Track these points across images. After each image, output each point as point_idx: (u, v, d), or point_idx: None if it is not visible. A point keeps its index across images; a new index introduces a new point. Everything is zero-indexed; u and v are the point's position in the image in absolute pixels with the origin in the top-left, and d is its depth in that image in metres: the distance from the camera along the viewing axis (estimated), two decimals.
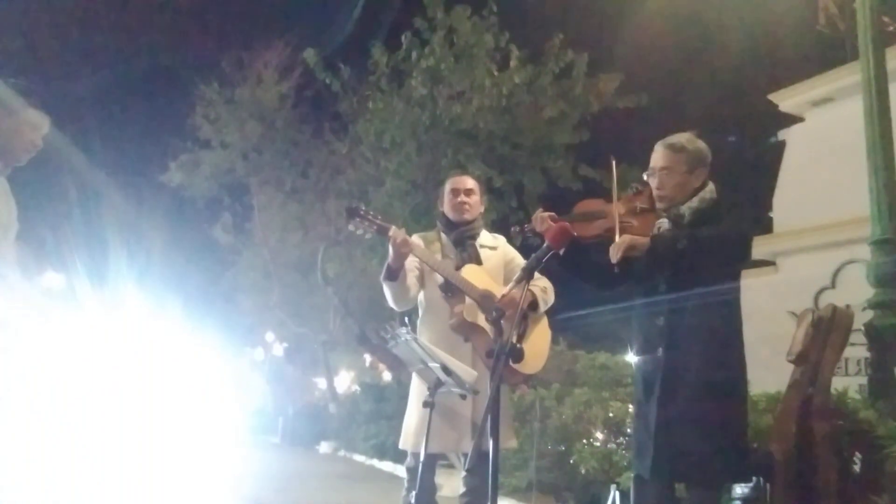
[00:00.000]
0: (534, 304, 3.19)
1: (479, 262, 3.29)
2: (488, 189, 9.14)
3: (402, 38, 8.57)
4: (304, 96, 13.94)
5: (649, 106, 9.19)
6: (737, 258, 2.80)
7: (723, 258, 2.69)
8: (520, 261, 3.32)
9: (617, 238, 2.73)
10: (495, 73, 8.51)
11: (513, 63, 8.50)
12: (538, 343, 3.25)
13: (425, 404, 2.82)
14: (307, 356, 21.82)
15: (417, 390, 3.22)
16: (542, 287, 3.26)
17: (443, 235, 3.40)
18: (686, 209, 2.78)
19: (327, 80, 9.38)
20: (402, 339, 2.68)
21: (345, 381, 23.71)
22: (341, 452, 13.49)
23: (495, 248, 3.41)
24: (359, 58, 9.44)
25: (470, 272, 3.19)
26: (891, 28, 6.14)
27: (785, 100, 7.22)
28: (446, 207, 3.43)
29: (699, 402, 2.60)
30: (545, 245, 2.32)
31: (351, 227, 3.16)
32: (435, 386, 2.78)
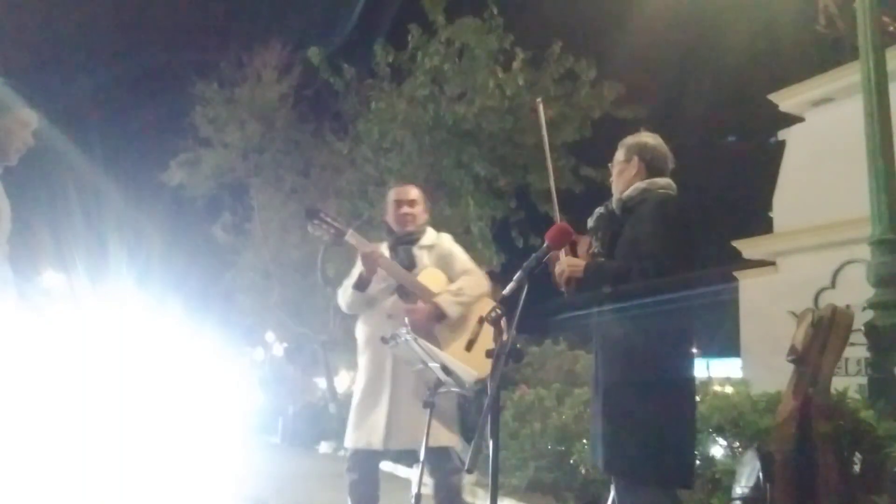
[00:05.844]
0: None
1: (412, 265, 3.40)
2: (490, 189, 9.14)
3: (409, 36, 8.54)
4: (304, 96, 13.95)
5: (650, 106, 9.21)
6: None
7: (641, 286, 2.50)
8: (458, 253, 3.47)
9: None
10: (499, 75, 8.48)
11: (516, 65, 8.48)
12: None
13: (425, 404, 2.82)
14: (307, 356, 21.80)
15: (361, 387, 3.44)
16: (456, 289, 3.29)
17: (385, 243, 3.54)
18: (616, 201, 2.78)
19: (331, 80, 9.34)
20: (403, 339, 2.67)
21: (345, 381, 23.67)
22: (341, 452, 13.48)
23: (432, 247, 3.48)
24: (360, 57, 9.43)
25: (425, 275, 3.35)
26: (891, 28, 6.13)
27: (785, 100, 7.21)
28: (389, 218, 3.55)
29: (619, 402, 2.56)
30: (545, 245, 2.32)
31: (310, 230, 3.23)
32: (435, 386, 2.77)
